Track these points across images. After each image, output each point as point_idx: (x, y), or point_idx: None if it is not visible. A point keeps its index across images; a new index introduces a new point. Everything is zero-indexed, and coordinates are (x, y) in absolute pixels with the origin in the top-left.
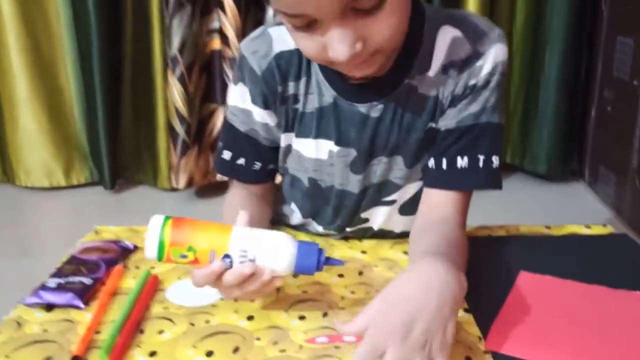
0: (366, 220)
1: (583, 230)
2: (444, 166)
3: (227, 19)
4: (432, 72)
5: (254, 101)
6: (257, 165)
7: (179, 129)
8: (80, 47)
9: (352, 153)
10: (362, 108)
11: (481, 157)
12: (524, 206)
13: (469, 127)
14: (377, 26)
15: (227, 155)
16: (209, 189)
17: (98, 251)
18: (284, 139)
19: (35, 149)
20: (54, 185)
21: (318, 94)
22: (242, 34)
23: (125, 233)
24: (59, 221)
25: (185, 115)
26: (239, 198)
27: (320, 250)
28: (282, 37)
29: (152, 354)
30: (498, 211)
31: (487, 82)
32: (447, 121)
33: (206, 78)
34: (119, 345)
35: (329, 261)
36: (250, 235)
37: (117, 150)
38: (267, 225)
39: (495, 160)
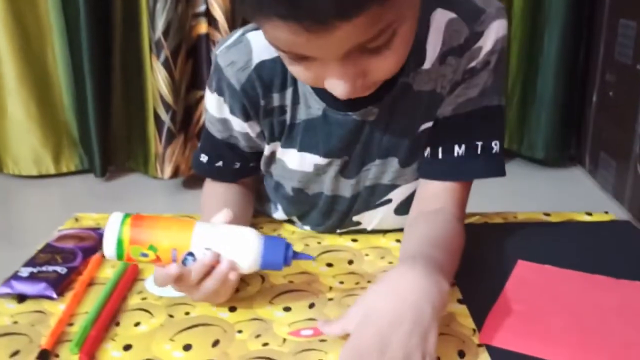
0: (358, 223)
1: (584, 218)
2: (440, 155)
3: (216, 0)
4: (427, 65)
5: (232, 112)
6: (237, 165)
7: (164, 116)
8: (69, 33)
9: (344, 160)
10: (356, 116)
11: (479, 144)
12: (521, 192)
13: (467, 114)
14: (382, 63)
15: (204, 158)
16: (200, 178)
17: (75, 239)
18: (268, 148)
19: (23, 137)
20: (43, 173)
21: (305, 105)
22: (231, 17)
23: (106, 220)
24: (49, 210)
25: (170, 103)
26: (219, 188)
27: (288, 245)
28: (263, 45)
29: (127, 347)
30: (494, 197)
31: (486, 63)
32: (443, 109)
33: (192, 64)
34: (92, 339)
35: (298, 256)
36: (213, 231)
37: (108, 137)
38: (250, 216)
39: (495, 146)
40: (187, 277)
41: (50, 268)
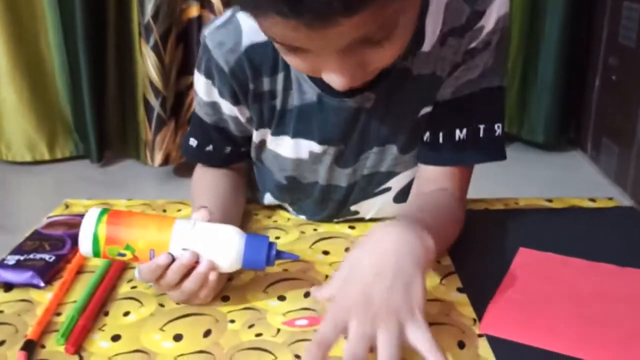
0: (356, 212)
1: (587, 204)
2: (441, 140)
3: None
4: (427, 47)
5: (221, 95)
6: (227, 149)
7: (154, 102)
8: (63, 17)
9: (340, 148)
10: (352, 102)
11: (481, 127)
12: (521, 177)
13: (467, 97)
14: (381, 54)
15: (193, 142)
16: (192, 165)
17: (64, 226)
18: (257, 135)
19: (17, 122)
20: (38, 159)
21: (298, 91)
22: None
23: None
24: (44, 196)
25: (160, 88)
26: (209, 175)
27: (271, 244)
28: (254, 26)
29: (115, 338)
30: (494, 182)
31: (487, 43)
32: (443, 91)
33: (183, 48)
34: (79, 329)
35: (282, 255)
36: (193, 230)
37: (103, 123)
38: (242, 204)
39: (498, 129)
40: (166, 277)
41: (38, 256)
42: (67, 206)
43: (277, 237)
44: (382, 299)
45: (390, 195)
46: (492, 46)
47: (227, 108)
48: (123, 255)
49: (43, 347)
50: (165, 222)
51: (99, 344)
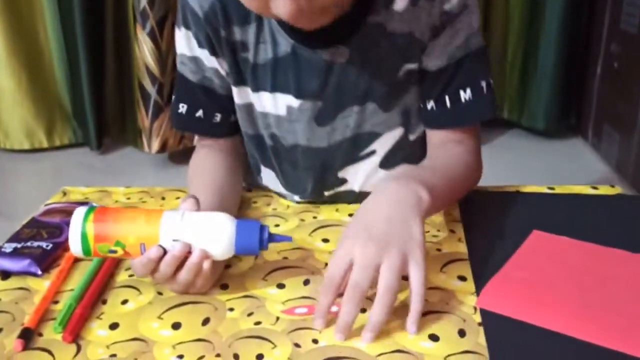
0: (344, 180)
1: (589, 191)
2: (448, 104)
3: None
4: (398, 6)
5: (200, 45)
6: (218, 117)
7: (150, 89)
8: (61, 4)
9: (317, 105)
10: (325, 54)
11: (483, 84)
12: (522, 164)
13: (461, 59)
14: None
15: (183, 108)
16: (190, 151)
17: (61, 213)
18: (239, 95)
19: (15, 110)
20: (36, 147)
21: (272, 44)
22: None
23: (95, 194)
24: (42, 184)
25: (156, 74)
26: (208, 162)
27: (263, 228)
28: None
29: (113, 326)
30: (494, 169)
31: (464, 6)
32: (435, 59)
33: None
34: (77, 317)
35: (275, 238)
36: (182, 221)
37: (102, 110)
38: (239, 191)
39: (492, 84)
40: (160, 270)
41: (35, 244)
42: (64, 194)
43: (277, 225)
44: (383, 230)
45: (375, 160)
46: (471, 8)
47: (207, 60)
48: (114, 252)
49: (40, 335)
50: (153, 215)
51: (97, 332)
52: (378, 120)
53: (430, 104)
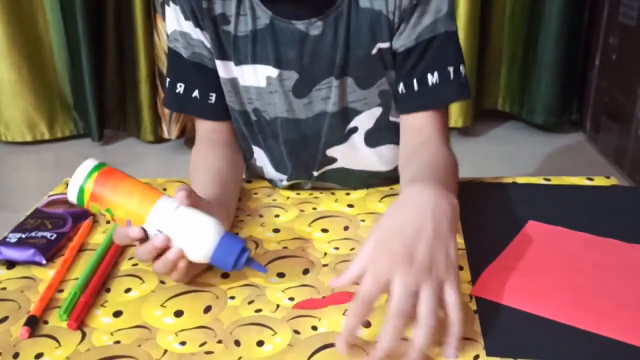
0: (334, 159)
1: (585, 183)
2: (416, 87)
3: None
4: None
5: (186, 18)
6: (212, 97)
7: None
8: None
9: (294, 76)
10: (300, 25)
11: (450, 69)
12: (520, 155)
13: (429, 41)
14: None
15: (180, 88)
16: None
17: (65, 204)
18: (223, 69)
19: (16, 102)
20: (38, 138)
21: (252, 16)
22: None
23: None
24: (44, 175)
25: None
26: (209, 154)
27: (244, 250)
28: None
29: (117, 314)
30: (493, 161)
31: None
32: (404, 40)
33: None
34: (81, 305)
35: (251, 264)
36: (174, 213)
37: (103, 101)
38: (239, 184)
39: (463, 70)
40: (138, 251)
41: (40, 234)
42: (67, 185)
43: (277, 215)
44: (425, 254)
45: (359, 137)
46: None
47: (194, 32)
48: (103, 215)
49: (46, 322)
50: (149, 197)
51: (101, 319)
52: (356, 97)
53: (400, 87)
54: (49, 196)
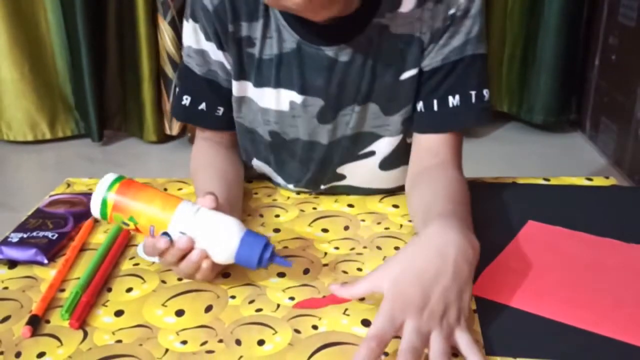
0: (343, 177)
1: (584, 183)
2: (435, 107)
3: None
4: (404, 8)
5: (208, 38)
6: (220, 110)
7: (172, 74)
8: None
9: (319, 102)
10: (329, 52)
11: (473, 93)
12: (519, 155)
13: (455, 63)
14: None
15: (186, 100)
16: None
17: (66, 204)
18: (238, 88)
19: (17, 101)
20: (39, 138)
21: (278, 39)
22: None
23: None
24: (45, 175)
25: (177, 61)
26: (211, 154)
27: (267, 246)
28: None
29: (118, 313)
30: (493, 161)
31: (467, 10)
32: (430, 60)
33: None
34: (83, 304)
35: (275, 260)
36: (195, 216)
37: (104, 102)
38: (241, 183)
39: (487, 94)
40: (165, 257)
41: (41, 234)
42: (68, 185)
43: (277, 215)
44: (439, 300)
45: (375, 160)
46: (473, 13)
47: (214, 53)
48: (126, 224)
49: (48, 322)
50: (170, 202)
51: (103, 319)
52: (379, 123)
53: (420, 105)
54: (50, 196)
